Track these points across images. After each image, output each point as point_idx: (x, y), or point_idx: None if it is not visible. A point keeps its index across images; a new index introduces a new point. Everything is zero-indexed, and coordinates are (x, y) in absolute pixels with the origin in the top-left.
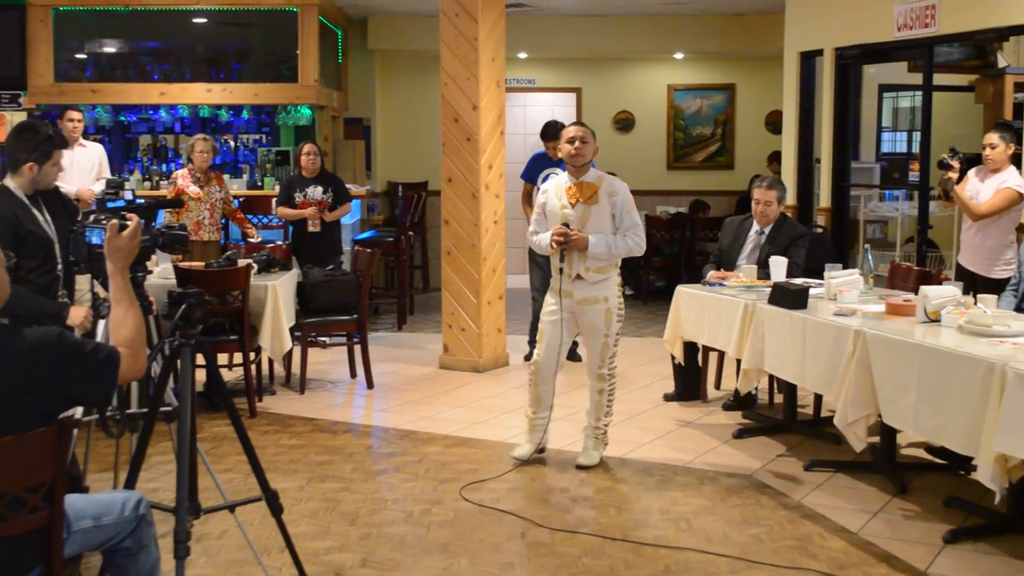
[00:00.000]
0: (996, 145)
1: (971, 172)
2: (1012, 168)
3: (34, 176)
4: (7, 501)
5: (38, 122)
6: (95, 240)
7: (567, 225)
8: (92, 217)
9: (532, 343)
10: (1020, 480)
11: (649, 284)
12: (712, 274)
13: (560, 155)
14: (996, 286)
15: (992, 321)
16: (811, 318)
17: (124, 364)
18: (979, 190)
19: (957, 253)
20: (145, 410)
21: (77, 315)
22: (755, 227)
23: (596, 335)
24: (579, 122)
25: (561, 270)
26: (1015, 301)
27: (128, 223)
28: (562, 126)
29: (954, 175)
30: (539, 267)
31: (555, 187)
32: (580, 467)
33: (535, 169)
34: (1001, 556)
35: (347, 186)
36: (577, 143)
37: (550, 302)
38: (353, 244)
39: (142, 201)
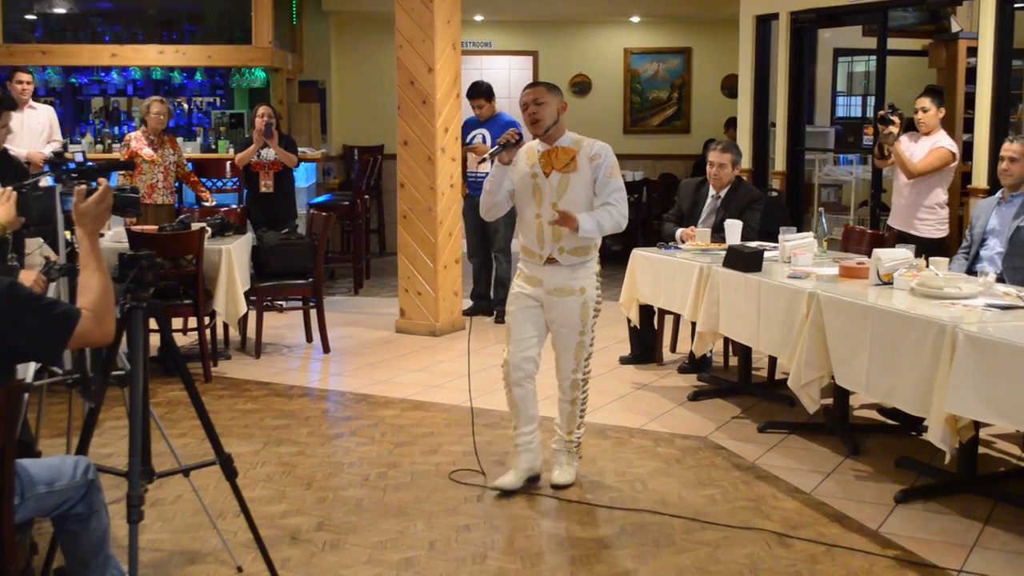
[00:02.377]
0: (928, 109)
1: (903, 137)
2: (943, 131)
3: None
4: None
5: None
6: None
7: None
8: (43, 179)
9: (474, 299)
10: (969, 440)
11: (605, 248)
12: (682, 231)
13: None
14: (929, 245)
15: (943, 283)
16: (765, 281)
17: (86, 326)
18: (913, 152)
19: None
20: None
21: (27, 279)
22: (711, 191)
23: (569, 333)
24: (535, 82)
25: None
26: (966, 264)
27: (97, 187)
28: (483, 85)
29: (895, 130)
30: (472, 229)
31: (525, 150)
32: (556, 487)
33: (464, 132)
34: (951, 515)
35: (303, 149)
36: (531, 107)
37: (517, 285)
38: (308, 208)
39: (92, 164)
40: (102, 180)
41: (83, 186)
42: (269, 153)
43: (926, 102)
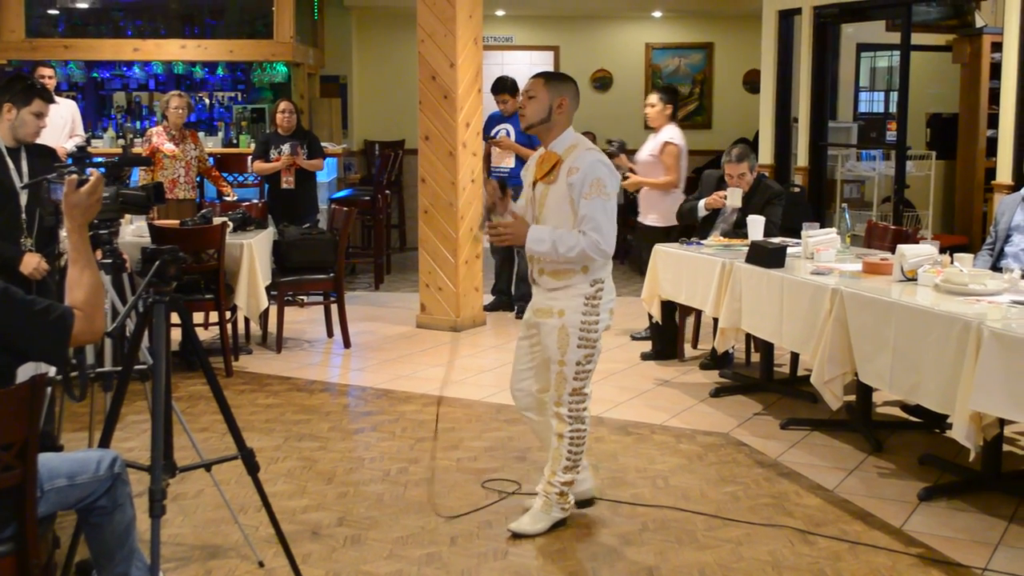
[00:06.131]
0: (655, 105)
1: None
2: (668, 126)
3: (12, 121)
4: None
5: (29, 75)
6: (58, 195)
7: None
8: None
9: (495, 294)
10: (994, 437)
11: (627, 243)
12: (706, 200)
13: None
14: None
15: (968, 280)
16: (788, 277)
17: (78, 327)
18: (644, 152)
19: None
20: (119, 368)
21: (29, 263)
22: None
23: (550, 359)
24: (541, 72)
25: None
26: (991, 260)
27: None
28: (508, 80)
29: (624, 162)
30: None
31: (537, 156)
32: (510, 531)
33: (487, 127)
34: (975, 513)
35: (324, 144)
36: (522, 100)
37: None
38: (330, 202)
39: (100, 159)
40: (94, 171)
41: (74, 176)
42: (287, 147)
43: (653, 99)
